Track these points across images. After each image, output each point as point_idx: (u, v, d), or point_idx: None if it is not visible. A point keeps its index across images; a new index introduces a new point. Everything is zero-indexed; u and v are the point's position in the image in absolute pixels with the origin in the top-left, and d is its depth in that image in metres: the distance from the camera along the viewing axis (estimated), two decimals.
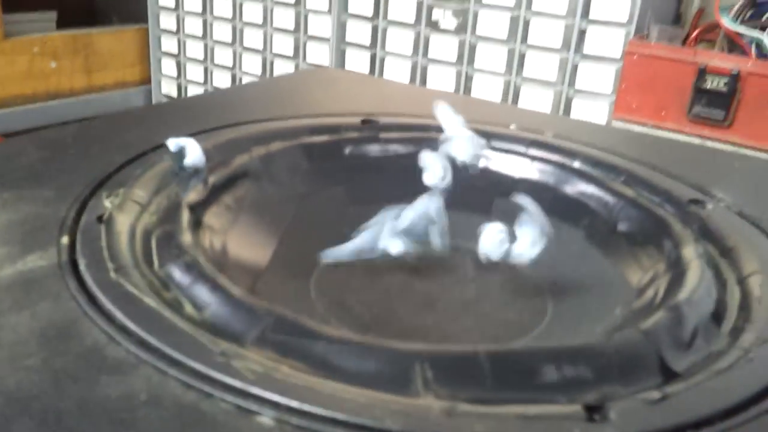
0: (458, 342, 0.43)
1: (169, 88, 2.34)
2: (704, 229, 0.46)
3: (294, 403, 0.27)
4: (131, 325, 0.31)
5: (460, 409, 0.28)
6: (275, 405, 0.27)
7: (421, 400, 0.28)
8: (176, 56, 2.26)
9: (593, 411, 0.28)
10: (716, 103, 1.34)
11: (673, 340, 0.34)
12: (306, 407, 0.27)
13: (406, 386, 0.29)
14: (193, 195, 0.45)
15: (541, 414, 0.28)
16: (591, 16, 1.50)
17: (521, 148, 0.58)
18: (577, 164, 0.55)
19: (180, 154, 0.47)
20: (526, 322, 0.44)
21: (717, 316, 0.37)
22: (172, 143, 0.47)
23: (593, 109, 1.52)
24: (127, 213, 0.41)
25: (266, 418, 0.26)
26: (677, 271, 0.41)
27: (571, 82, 1.55)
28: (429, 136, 0.59)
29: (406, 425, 0.26)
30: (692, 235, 0.45)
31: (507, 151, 0.58)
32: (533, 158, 0.57)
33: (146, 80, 2.42)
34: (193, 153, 0.47)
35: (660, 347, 0.33)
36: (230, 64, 2.10)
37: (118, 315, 0.31)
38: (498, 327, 0.44)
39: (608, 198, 0.52)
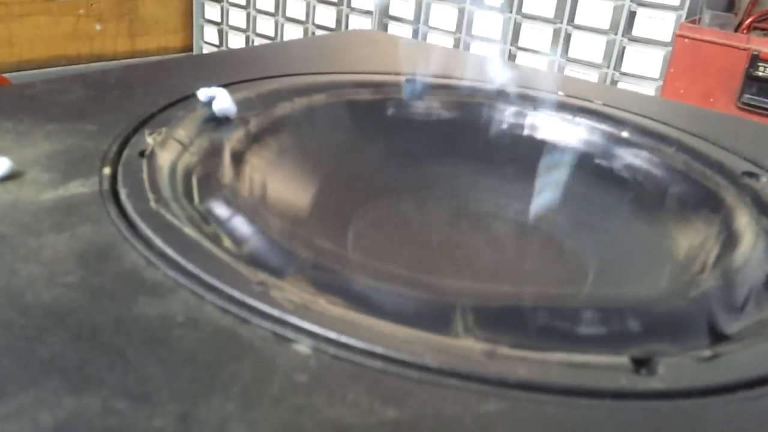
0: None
1: None
2: (758, 201, 0.44)
3: (332, 334, 0.26)
4: (170, 251, 0.30)
5: (501, 351, 0.27)
6: (312, 335, 0.26)
7: (461, 341, 0.27)
8: (219, 24, 2.27)
9: (641, 364, 0.27)
10: (767, 91, 1.30)
11: (724, 302, 0.32)
12: (344, 338, 0.26)
13: (447, 327, 0.28)
14: (235, 139, 0.45)
15: (586, 363, 0.27)
16: None
17: (568, 115, 0.56)
18: (625, 133, 0.54)
19: (210, 103, 0.46)
20: (568, 282, 0.43)
21: None
22: (203, 93, 0.47)
23: (639, 92, 1.49)
24: (168, 151, 0.41)
25: (303, 346, 0.26)
26: (729, 239, 0.40)
27: (618, 65, 1.51)
28: (473, 99, 0.58)
29: (446, 363, 0.25)
30: (745, 205, 0.43)
31: (554, 117, 0.56)
32: (580, 125, 0.55)
33: (188, 47, 2.44)
34: (224, 102, 0.46)
35: (711, 309, 0.31)
36: (272, 34, 2.10)
37: (157, 241, 0.31)
38: (538, 286, 0.43)
39: (658, 167, 0.50)
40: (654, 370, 0.27)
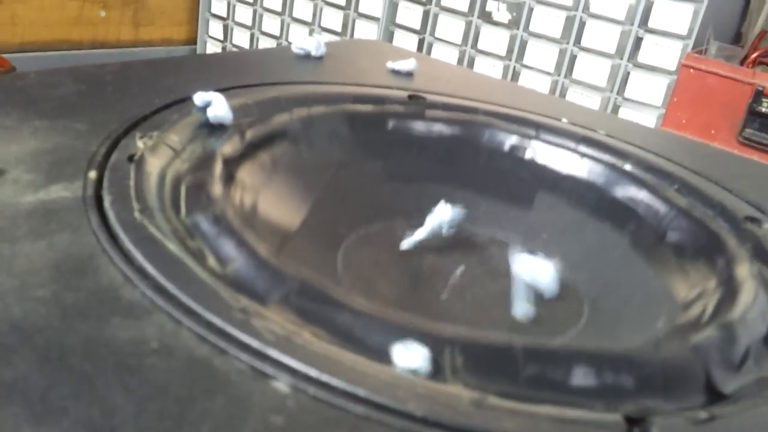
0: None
1: (214, 51, 2.33)
2: (759, 248, 0.43)
3: (313, 372, 0.25)
4: (150, 268, 0.29)
5: (489, 401, 0.25)
6: (293, 371, 0.25)
7: (449, 386, 0.26)
8: (224, 19, 2.25)
9: (634, 423, 0.26)
10: None
11: (722, 359, 0.31)
12: (325, 377, 0.25)
13: (434, 369, 0.27)
14: (228, 147, 0.43)
15: (577, 419, 0.26)
16: (650, 25, 1.46)
17: (571, 143, 0.55)
18: (628, 167, 0.53)
19: (206, 108, 0.45)
20: (558, 322, 0.42)
21: None
22: (199, 97, 0.46)
23: (640, 120, 1.48)
24: (159, 156, 0.40)
25: (282, 383, 0.24)
26: (729, 289, 0.39)
27: (621, 90, 1.51)
28: (476, 119, 0.57)
29: (431, 411, 0.24)
30: (747, 253, 0.42)
31: (556, 145, 0.55)
32: (583, 155, 0.54)
33: (192, 40, 2.42)
34: (219, 109, 0.45)
35: (708, 365, 0.30)
36: (277, 33, 2.09)
37: (138, 256, 0.29)
38: (529, 323, 0.42)
39: (659, 205, 0.49)
40: (647, 430, 0.26)
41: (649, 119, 1.47)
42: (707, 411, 0.28)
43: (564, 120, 0.60)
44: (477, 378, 0.27)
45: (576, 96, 1.56)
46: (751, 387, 0.31)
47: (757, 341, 0.34)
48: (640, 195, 0.50)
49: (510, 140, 0.56)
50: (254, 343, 0.26)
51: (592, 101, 1.54)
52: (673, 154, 0.56)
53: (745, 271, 0.40)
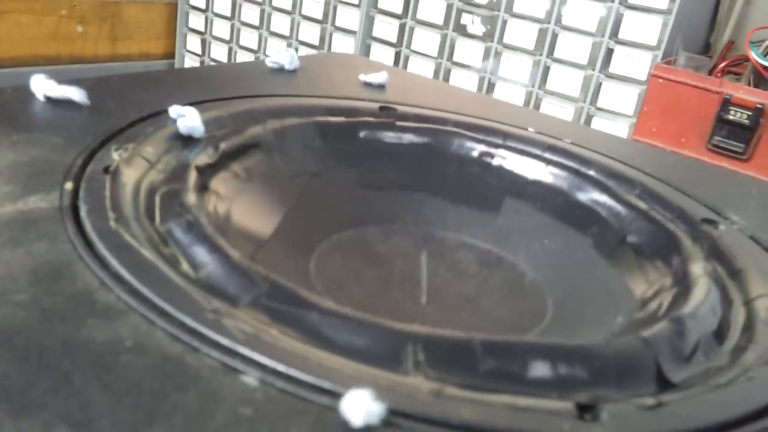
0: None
1: (192, 65, 2.34)
2: (714, 248, 0.45)
3: (280, 367, 0.26)
4: (124, 273, 0.30)
5: (448, 391, 0.27)
6: (261, 366, 0.26)
7: (410, 379, 0.28)
8: (202, 34, 2.26)
9: (585, 410, 0.28)
10: (737, 135, 1.33)
11: (672, 351, 0.33)
12: (292, 372, 0.26)
13: (397, 364, 0.28)
14: (203, 158, 0.45)
15: (531, 407, 0.27)
16: (620, 36, 1.50)
17: (537, 151, 0.57)
18: (591, 172, 0.55)
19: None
20: (524, 322, 0.44)
21: (720, 334, 0.36)
22: (174, 111, 0.47)
23: (613, 129, 1.51)
24: (134, 168, 0.41)
25: (251, 378, 0.26)
26: (683, 286, 0.41)
27: (594, 100, 1.54)
28: (445, 128, 0.59)
29: (392, 401, 0.25)
30: (702, 253, 0.44)
31: (522, 153, 0.57)
32: (548, 162, 0.56)
33: (170, 55, 2.43)
34: (192, 122, 0.46)
35: (659, 356, 0.32)
36: (255, 47, 2.10)
37: (113, 262, 0.31)
38: (495, 324, 0.43)
39: (620, 208, 0.51)
40: (597, 416, 0.27)
41: (621, 128, 1.50)
42: (655, 398, 0.29)
43: (530, 129, 0.62)
44: (438, 371, 0.28)
45: (550, 107, 1.58)
46: (699, 377, 0.32)
47: (707, 335, 0.36)
48: (603, 199, 0.52)
49: (478, 148, 0.58)
50: (224, 341, 0.27)
51: (565, 111, 1.57)
52: (637, 162, 0.58)
53: (699, 269, 0.42)
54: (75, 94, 0.49)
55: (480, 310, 0.45)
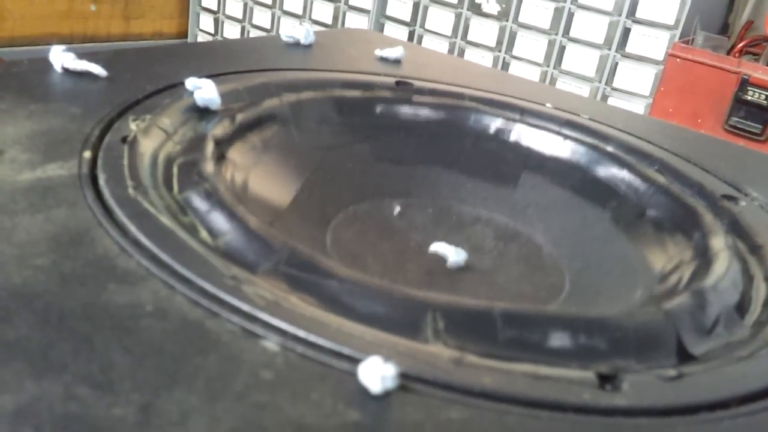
0: None
1: None
2: (735, 224, 0.45)
3: (300, 332, 0.26)
4: (144, 240, 0.30)
5: (468, 359, 0.27)
6: (281, 332, 0.26)
7: (430, 347, 0.27)
8: (215, 13, 2.26)
9: (606, 380, 0.27)
10: (755, 116, 1.31)
11: (693, 323, 0.33)
12: (312, 338, 0.26)
13: (416, 332, 0.28)
14: (219, 130, 0.44)
15: (552, 375, 0.27)
16: (637, 15, 1.48)
17: (555, 126, 0.57)
18: (610, 148, 0.54)
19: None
20: (542, 295, 0.43)
21: (741, 308, 0.36)
22: (191, 83, 0.47)
23: (629, 109, 1.50)
24: (151, 138, 0.41)
25: (271, 343, 0.26)
26: (704, 260, 0.40)
27: (610, 80, 1.52)
28: (462, 103, 0.58)
29: (413, 368, 0.25)
30: (722, 227, 0.44)
31: (540, 128, 0.57)
32: (566, 137, 0.56)
33: (183, 34, 2.42)
34: (209, 94, 0.46)
35: (680, 328, 0.32)
36: (268, 26, 2.09)
37: (132, 229, 0.31)
38: (512, 297, 0.43)
39: (639, 183, 0.50)
40: (618, 386, 0.27)
41: (637, 108, 1.49)
42: (676, 370, 0.29)
43: (548, 105, 0.61)
44: (457, 339, 0.28)
45: (565, 86, 1.57)
46: (720, 350, 0.32)
47: (728, 308, 0.35)
48: (621, 174, 0.52)
49: (495, 123, 0.57)
50: (244, 307, 0.27)
51: (581, 91, 1.55)
52: (655, 138, 0.58)
53: (720, 243, 0.41)
54: (92, 66, 0.49)
55: (497, 283, 0.45)
